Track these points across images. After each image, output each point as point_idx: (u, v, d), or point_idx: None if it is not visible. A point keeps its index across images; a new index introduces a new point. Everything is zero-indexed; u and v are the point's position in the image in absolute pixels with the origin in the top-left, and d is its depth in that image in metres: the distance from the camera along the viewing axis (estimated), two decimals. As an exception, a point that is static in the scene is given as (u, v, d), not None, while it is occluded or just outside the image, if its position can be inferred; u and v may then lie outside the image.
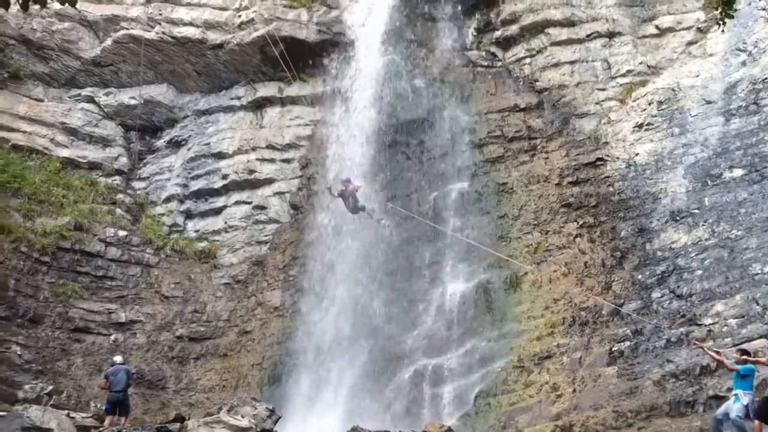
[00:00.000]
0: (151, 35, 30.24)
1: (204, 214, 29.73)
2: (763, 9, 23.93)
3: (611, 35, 27.16)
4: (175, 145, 31.36)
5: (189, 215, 29.87)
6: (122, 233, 28.04)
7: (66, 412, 19.78)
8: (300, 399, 24.17)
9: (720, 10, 14.61)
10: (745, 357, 15.39)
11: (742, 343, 17.34)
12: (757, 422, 14.54)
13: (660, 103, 24.88)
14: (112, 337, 26.10)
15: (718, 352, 16.21)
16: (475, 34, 29.90)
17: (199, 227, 29.51)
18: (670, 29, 26.55)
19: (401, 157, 27.86)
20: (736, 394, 15.13)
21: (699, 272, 20.50)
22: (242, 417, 17.11)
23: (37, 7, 28.82)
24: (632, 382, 18.93)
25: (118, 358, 21.08)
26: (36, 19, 30.25)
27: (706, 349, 16.59)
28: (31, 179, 27.81)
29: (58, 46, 30.54)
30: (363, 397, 23.30)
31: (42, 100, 30.76)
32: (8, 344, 23.96)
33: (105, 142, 30.91)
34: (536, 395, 20.18)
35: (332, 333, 25.17)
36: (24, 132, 29.52)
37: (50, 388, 23.46)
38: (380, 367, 23.81)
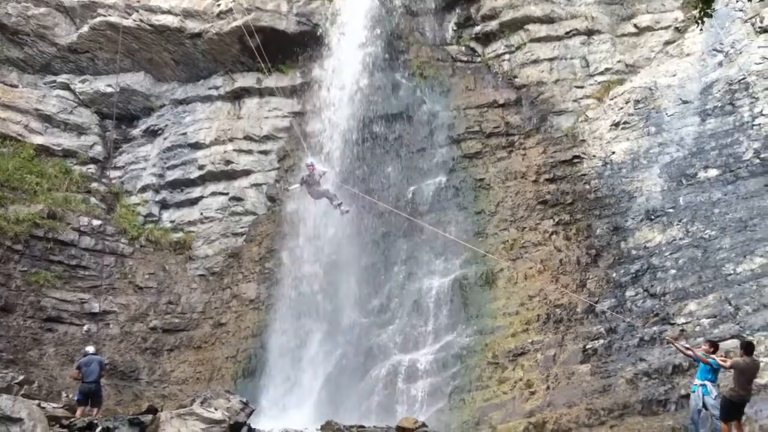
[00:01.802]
0: (128, 22, 29.91)
1: (179, 205, 29.56)
2: (740, 10, 24.11)
3: (590, 33, 27.30)
4: (152, 134, 31.13)
5: (164, 205, 29.69)
6: (96, 222, 27.80)
7: (37, 402, 19.52)
8: (274, 392, 24.14)
9: (698, 8, 14.71)
10: (713, 349, 15.68)
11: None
12: (726, 425, 14.75)
13: (637, 101, 25.02)
14: (85, 327, 25.90)
15: (688, 348, 16.43)
16: (455, 29, 29.88)
17: (175, 218, 29.35)
18: (649, 28, 26.73)
19: (379, 150, 27.80)
20: (704, 385, 15.39)
21: (673, 271, 20.67)
22: (215, 409, 17.00)
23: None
24: (605, 380, 19.07)
25: (90, 349, 20.89)
26: (11, 3, 29.87)
27: (676, 344, 16.78)
28: (4, 166, 27.49)
29: (33, 31, 30.17)
30: (337, 391, 23.29)
31: (16, 86, 30.42)
32: (-21, 333, 23.73)
33: (80, 129, 30.61)
34: (510, 392, 20.28)
35: (307, 327, 25.13)
36: (-3, 118, 29.18)
37: (21, 377, 23.22)
38: (355, 362, 23.81)
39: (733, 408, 14.87)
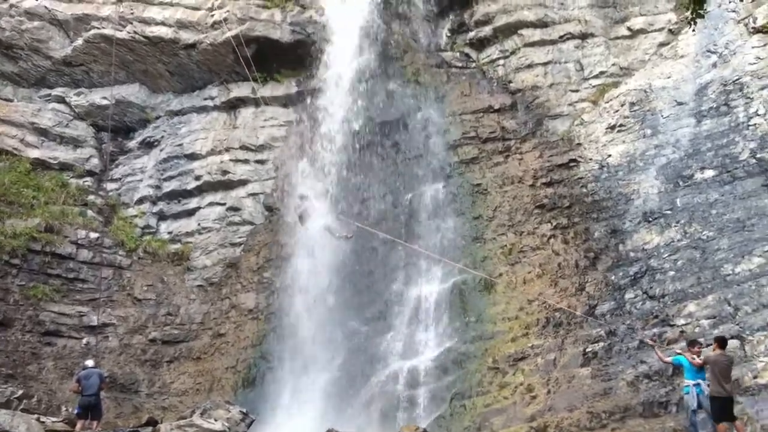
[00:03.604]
0: (122, 35, 29.94)
1: (177, 216, 29.51)
2: (733, 11, 24.18)
3: (584, 36, 27.36)
4: (148, 145, 31.11)
5: (162, 217, 29.64)
6: (94, 235, 27.75)
7: (36, 416, 19.47)
8: (275, 402, 24.07)
9: (690, 9, 14.74)
10: (696, 347, 15.85)
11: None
12: (722, 425, 14.73)
13: (632, 104, 25.06)
14: (84, 341, 25.83)
15: (660, 357, 16.65)
16: (449, 35, 29.94)
17: (172, 229, 29.30)
18: (642, 31, 26.78)
19: (376, 158, 27.80)
20: (697, 384, 15.45)
21: (671, 273, 20.65)
22: (215, 420, 17.02)
23: (5, 5, 28.37)
24: (606, 383, 19.03)
25: (89, 362, 20.80)
26: (5, 18, 29.93)
27: (656, 350, 16.93)
28: (0, 180, 27.40)
29: (27, 45, 30.19)
30: (338, 399, 23.21)
31: (11, 100, 30.44)
32: (-23, 348, 23.65)
33: (76, 142, 30.61)
34: (511, 397, 20.22)
35: (307, 335, 25.07)
36: (-7, 132, 29.18)
37: (20, 392, 23.04)
38: (356, 370, 23.74)
39: (717, 406, 14.81)
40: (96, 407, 19.91)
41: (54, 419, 20.13)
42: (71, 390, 21.01)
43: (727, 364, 15.03)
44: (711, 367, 15.01)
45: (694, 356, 15.75)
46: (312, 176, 27.54)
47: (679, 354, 16.44)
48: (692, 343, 16.26)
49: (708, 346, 16.38)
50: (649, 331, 19.44)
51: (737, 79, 23.15)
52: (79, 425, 19.51)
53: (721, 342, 15.36)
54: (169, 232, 29.24)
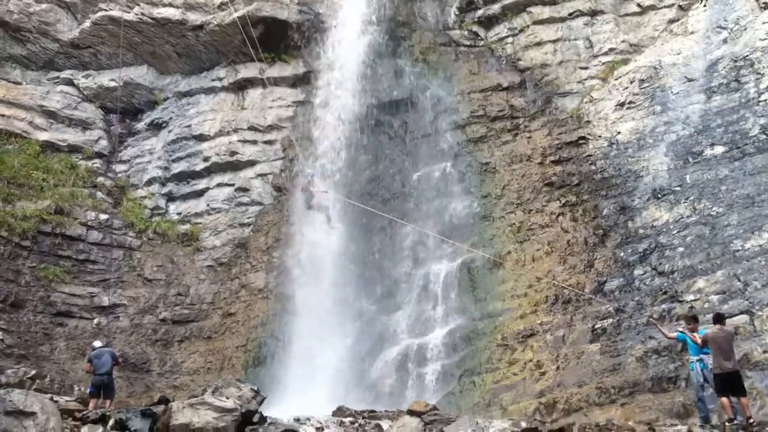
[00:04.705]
0: (130, 16, 29.91)
1: (186, 197, 29.59)
2: (744, -14, 23.98)
3: (593, 14, 27.17)
4: (156, 127, 31.16)
5: (171, 198, 29.73)
6: (103, 216, 27.84)
7: (49, 395, 19.58)
8: (285, 380, 24.18)
9: (702, -15, 14.65)
10: (693, 327, 15.98)
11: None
12: (725, 399, 14.72)
13: (642, 81, 24.92)
14: (95, 321, 25.97)
15: (665, 334, 16.63)
16: (457, 13, 29.74)
17: (181, 210, 29.38)
18: (652, 7, 26.57)
19: (384, 137, 27.82)
20: (700, 360, 15.57)
21: (680, 249, 20.59)
22: (227, 398, 17.00)
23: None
24: (615, 358, 19.04)
25: (97, 343, 20.84)
26: (13, 0, 29.85)
27: (659, 326, 16.95)
28: (10, 163, 27.53)
29: (35, 28, 30.18)
30: (348, 377, 23.34)
31: (20, 83, 30.47)
32: (-10, 329, 23.82)
33: (85, 124, 30.67)
34: (520, 373, 20.28)
35: (317, 314, 25.15)
36: (2, 115, 29.28)
37: (33, 372, 23.23)
38: (365, 348, 23.86)
39: (720, 382, 14.81)
40: (108, 386, 20.00)
41: (67, 398, 20.25)
42: (84, 370, 21.11)
43: (725, 338, 14.94)
44: (712, 344, 15.02)
45: (695, 333, 15.78)
46: (320, 156, 27.58)
47: (681, 331, 16.43)
48: (687, 320, 16.38)
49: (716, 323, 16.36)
50: (658, 307, 19.43)
51: (748, 55, 22.99)
52: (92, 404, 19.59)
53: (718, 318, 15.36)
54: (179, 213, 29.33)
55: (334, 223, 25.41)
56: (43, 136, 29.68)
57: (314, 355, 24.26)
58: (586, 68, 26.64)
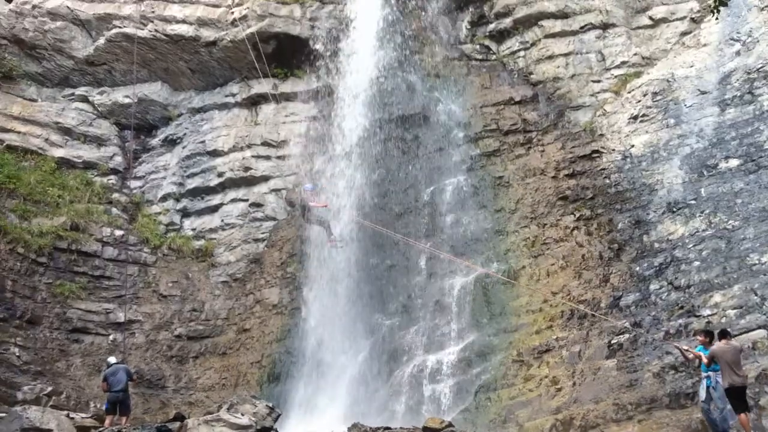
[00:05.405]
0: (143, 33, 30.13)
1: (200, 213, 29.70)
2: (757, -2, 23.96)
3: (605, 27, 27.14)
4: (170, 143, 31.31)
5: (185, 213, 29.84)
6: (119, 233, 27.98)
7: (66, 412, 19.72)
8: (300, 396, 24.19)
9: (714, -3, 14.64)
10: (709, 339, 15.82)
11: (741, 334, 17.42)
12: (743, 415, 14.66)
13: (655, 94, 24.87)
14: (111, 337, 26.07)
15: (687, 350, 16.45)
16: (468, 27, 29.78)
17: (196, 225, 29.48)
18: (664, 20, 26.53)
19: (397, 152, 27.80)
20: (708, 377, 15.46)
21: (696, 263, 20.50)
22: (242, 415, 17.07)
23: (28, 6, 28.74)
24: (632, 374, 18.94)
25: (112, 359, 20.98)
26: (28, 18, 30.21)
27: (681, 349, 16.77)
28: (26, 180, 27.72)
29: (50, 45, 30.46)
30: (363, 393, 23.30)
31: (35, 100, 30.74)
32: (6, 345, 23.88)
33: (100, 141, 30.87)
34: (536, 389, 20.20)
35: (331, 330, 25.16)
36: (18, 132, 29.51)
37: (49, 389, 23.41)
38: (379, 364, 23.80)
39: (734, 397, 14.77)
40: (124, 403, 20.11)
41: (83, 415, 20.38)
42: (101, 388, 21.19)
43: (734, 353, 14.95)
44: (719, 360, 14.98)
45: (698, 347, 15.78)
46: (333, 171, 27.66)
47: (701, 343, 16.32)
48: (695, 333, 16.26)
49: (734, 338, 16.25)
50: (674, 322, 19.32)
51: (761, 67, 22.93)
52: (107, 421, 19.72)
53: (723, 334, 15.33)
54: (193, 229, 29.43)
55: (336, 238, 25.23)
56: (58, 152, 29.88)
57: (329, 371, 24.27)
58: (599, 81, 26.61)
